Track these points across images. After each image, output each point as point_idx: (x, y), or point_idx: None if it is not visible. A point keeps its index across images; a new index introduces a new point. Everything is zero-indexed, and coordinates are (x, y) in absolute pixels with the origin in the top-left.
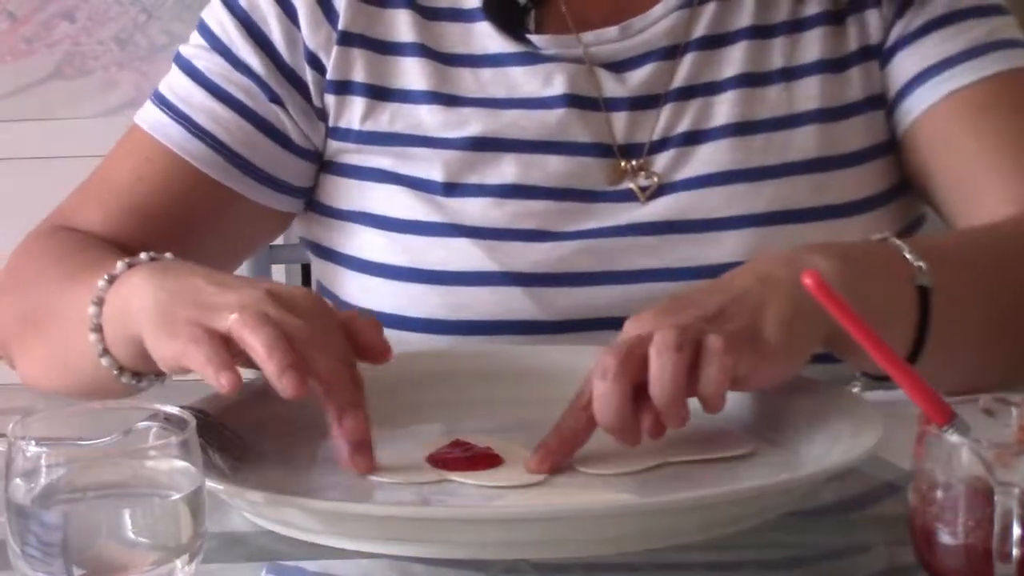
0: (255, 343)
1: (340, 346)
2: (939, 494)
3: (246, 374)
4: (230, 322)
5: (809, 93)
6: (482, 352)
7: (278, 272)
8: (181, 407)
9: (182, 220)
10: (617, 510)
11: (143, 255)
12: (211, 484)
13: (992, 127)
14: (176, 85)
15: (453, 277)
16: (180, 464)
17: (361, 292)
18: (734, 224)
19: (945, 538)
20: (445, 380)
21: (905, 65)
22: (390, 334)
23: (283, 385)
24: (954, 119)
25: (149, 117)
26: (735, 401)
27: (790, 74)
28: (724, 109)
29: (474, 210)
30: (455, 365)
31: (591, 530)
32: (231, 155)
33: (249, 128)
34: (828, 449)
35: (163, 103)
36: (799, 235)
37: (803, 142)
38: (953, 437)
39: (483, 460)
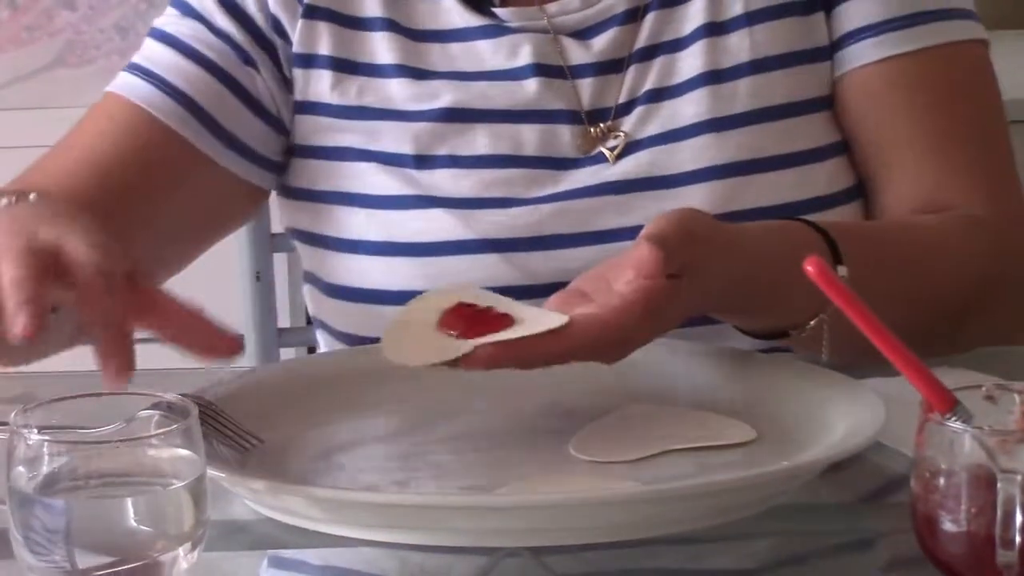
0: None
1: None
2: (941, 482)
3: (248, 363)
4: None
5: (773, 37)
6: None
7: (280, 260)
8: (183, 395)
9: (142, 177)
10: (617, 498)
11: (32, 195)
12: (213, 472)
13: (920, 108)
14: (148, 51)
15: (430, 248)
16: (182, 452)
17: (345, 272)
18: (703, 176)
19: (948, 526)
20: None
21: (849, 14)
22: (373, 309)
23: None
24: (886, 88)
25: (119, 82)
26: (736, 387)
27: (752, 19)
28: (689, 63)
29: (447, 181)
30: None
31: (591, 518)
32: (198, 112)
33: (220, 88)
34: (830, 436)
35: (134, 68)
36: (768, 183)
37: (770, 88)
38: (955, 424)
39: (498, 322)
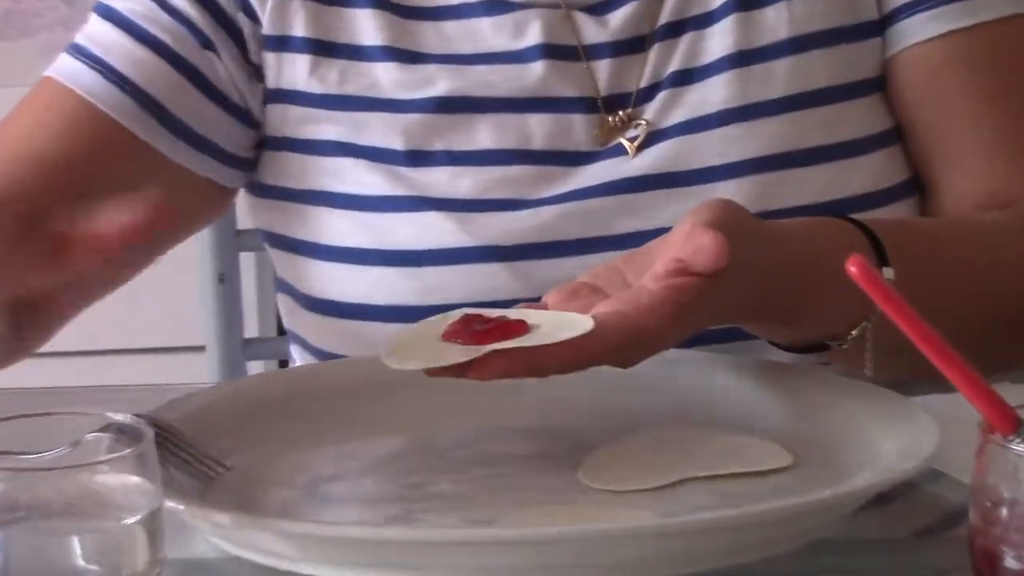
0: None
1: None
2: (1004, 512)
3: (212, 379)
4: None
5: (815, 11)
6: None
7: (246, 260)
8: (137, 415)
9: (87, 176)
10: (632, 531)
11: None
12: (171, 504)
13: (986, 89)
14: (93, 31)
15: (424, 256)
16: (135, 481)
17: (326, 283)
18: (734, 171)
19: (1011, 562)
20: (421, 385)
21: None
22: (357, 326)
23: None
24: (945, 67)
25: (59, 66)
26: (769, 405)
27: None
28: (719, 41)
29: (442, 180)
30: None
31: (604, 554)
32: (149, 103)
33: (174, 75)
34: (876, 462)
35: (77, 51)
36: (808, 179)
37: (811, 70)
38: (1020, 447)
39: (512, 328)
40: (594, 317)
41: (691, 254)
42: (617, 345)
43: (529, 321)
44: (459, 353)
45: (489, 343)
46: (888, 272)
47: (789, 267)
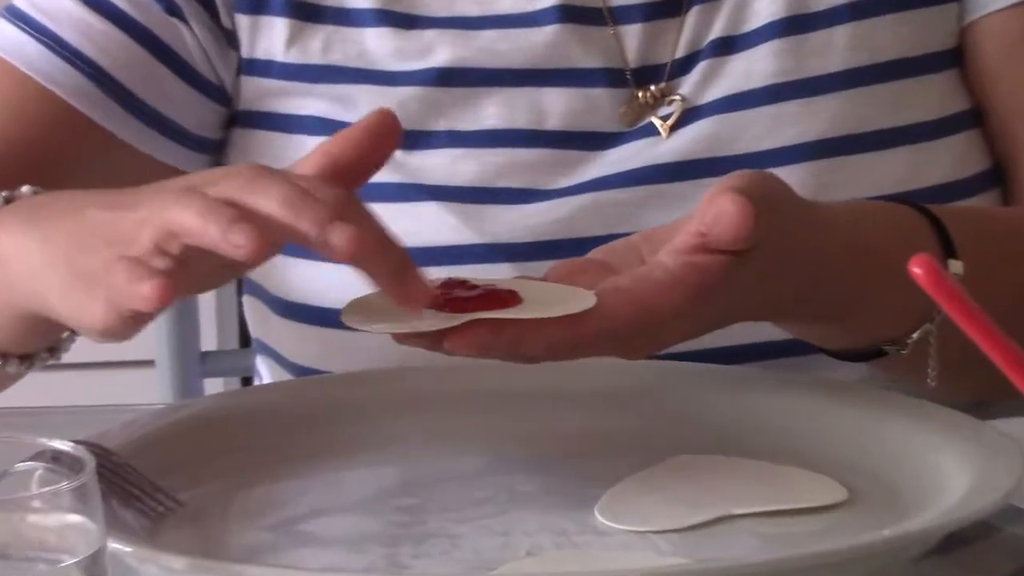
0: (193, 221)
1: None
2: None
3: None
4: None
5: None
6: (462, 368)
7: None
8: (76, 441)
9: (38, 165)
10: None
11: (25, 188)
12: (115, 545)
13: None
14: None
15: (420, 255)
16: (74, 519)
17: (303, 285)
18: (783, 157)
19: None
20: (412, 407)
21: None
22: (340, 336)
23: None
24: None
25: (1, 39)
26: (822, 431)
27: None
28: (767, 3)
29: (443, 165)
30: (421, 387)
31: None
32: (110, 84)
33: (135, 48)
34: (946, 497)
35: (18, 18)
36: (872, 166)
37: (876, 39)
38: None
39: (500, 298)
40: (596, 293)
41: (710, 221)
42: (618, 328)
43: (522, 293)
44: (435, 320)
45: (470, 312)
46: (955, 265)
47: (835, 255)
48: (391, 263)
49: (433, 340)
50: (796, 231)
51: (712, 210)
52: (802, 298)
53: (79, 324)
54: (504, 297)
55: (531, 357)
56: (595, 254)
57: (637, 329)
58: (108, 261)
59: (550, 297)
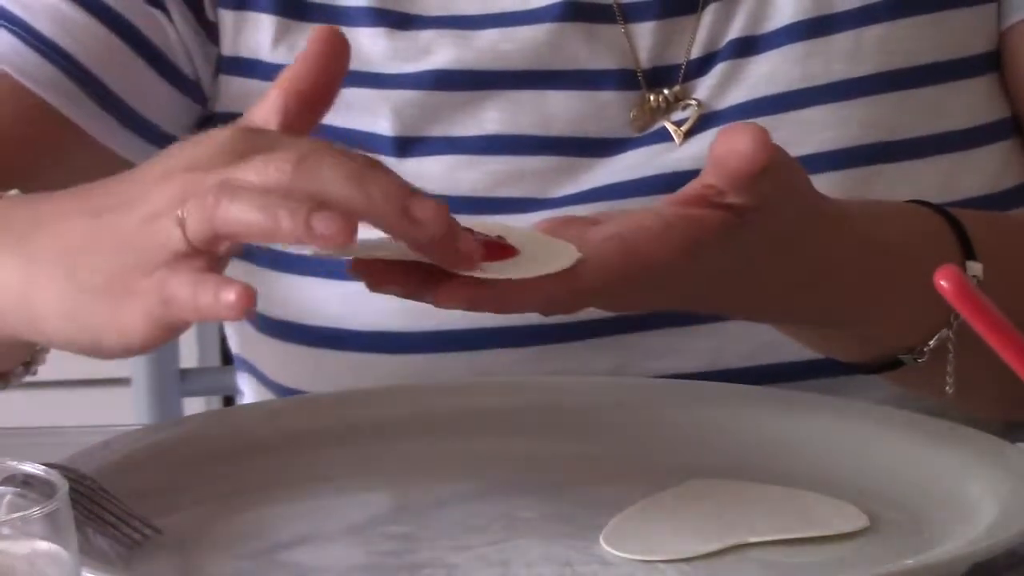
0: (241, 215)
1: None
2: None
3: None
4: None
5: None
6: (458, 387)
7: None
8: (49, 465)
9: (7, 162)
10: None
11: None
12: (89, 574)
13: None
14: None
15: None
16: (46, 546)
17: (290, 300)
18: (811, 166)
19: None
20: (403, 428)
21: None
22: (328, 355)
23: (331, 230)
24: None
25: None
26: (840, 454)
27: None
28: (790, 2)
29: (441, 173)
30: (412, 408)
31: None
32: (84, 78)
33: (113, 40)
34: (973, 525)
35: None
36: (907, 176)
37: (909, 40)
38: None
39: (495, 250)
40: (587, 242)
41: (723, 153)
42: (610, 279)
43: (509, 240)
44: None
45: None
46: (974, 267)
47: (847, 252)
48: (454, 227)
49: (414, 290)
50: (805, 216)
51: (725, 142)
52: (800, 289)
53: (97, 343)
54: (500, 248)
55: (521, 309)
56: (586, 214)
57: (628, 280)
58: (133, 270)
59: (536, 248)
